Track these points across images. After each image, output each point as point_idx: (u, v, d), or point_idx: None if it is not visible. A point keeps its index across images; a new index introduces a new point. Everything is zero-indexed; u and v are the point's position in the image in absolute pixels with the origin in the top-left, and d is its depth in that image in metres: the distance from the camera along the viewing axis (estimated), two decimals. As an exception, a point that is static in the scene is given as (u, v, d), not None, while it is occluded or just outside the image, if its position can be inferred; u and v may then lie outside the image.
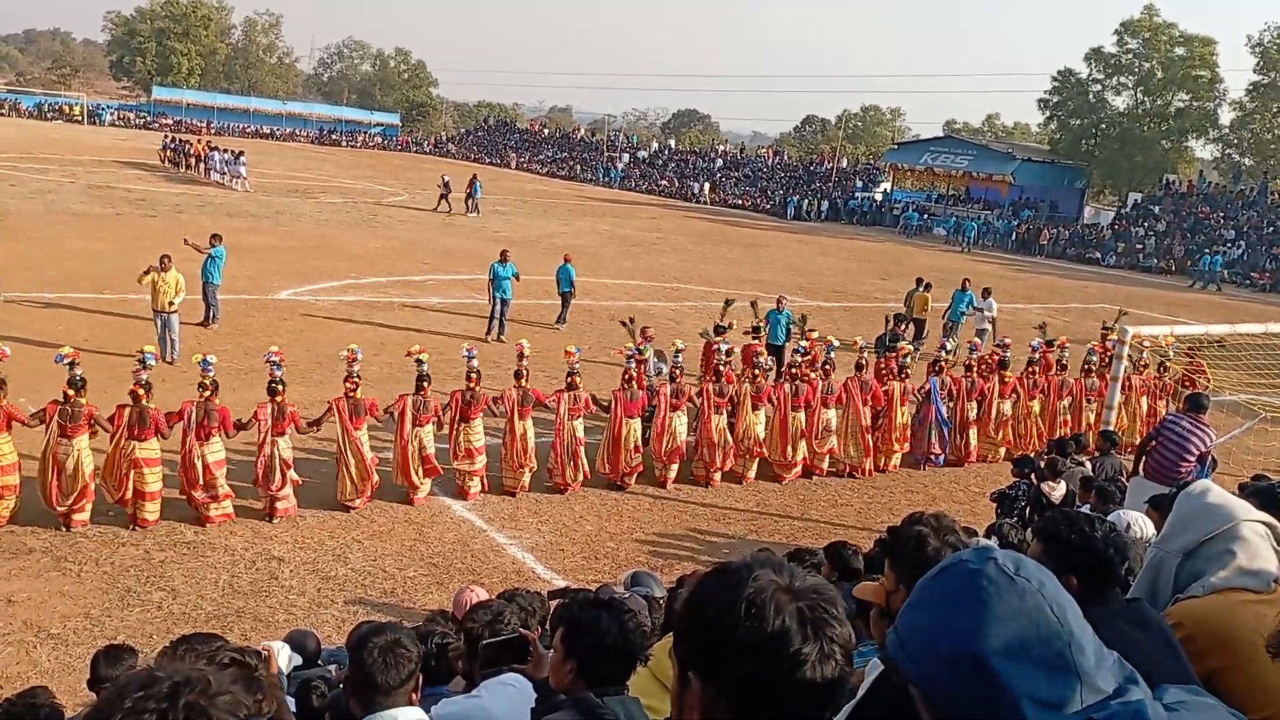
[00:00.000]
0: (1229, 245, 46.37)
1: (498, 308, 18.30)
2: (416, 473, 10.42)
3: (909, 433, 13.38)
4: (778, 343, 15.99)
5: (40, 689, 4.37)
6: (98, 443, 9.28)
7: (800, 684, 1.32)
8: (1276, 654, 2.04)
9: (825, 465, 12.84)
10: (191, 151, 45.86)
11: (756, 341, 14.03)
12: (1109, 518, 5.23)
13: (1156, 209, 51.46)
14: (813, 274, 31.95)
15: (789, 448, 12.43)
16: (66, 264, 20.68)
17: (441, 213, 38.10)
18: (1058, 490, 9.41)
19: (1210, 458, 9.11)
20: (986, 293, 21.07)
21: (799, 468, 12.66)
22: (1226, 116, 58.84)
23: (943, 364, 13.85)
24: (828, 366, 12.88)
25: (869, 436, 12.95)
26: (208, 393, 9.52)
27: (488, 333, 18.06)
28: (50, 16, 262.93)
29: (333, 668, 4.62)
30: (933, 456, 13.56)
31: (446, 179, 40.41)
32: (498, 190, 53.25)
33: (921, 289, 21.72)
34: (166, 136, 52.24)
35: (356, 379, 10.27)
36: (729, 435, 12.07)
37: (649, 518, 10.92)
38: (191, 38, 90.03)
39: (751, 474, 12.42)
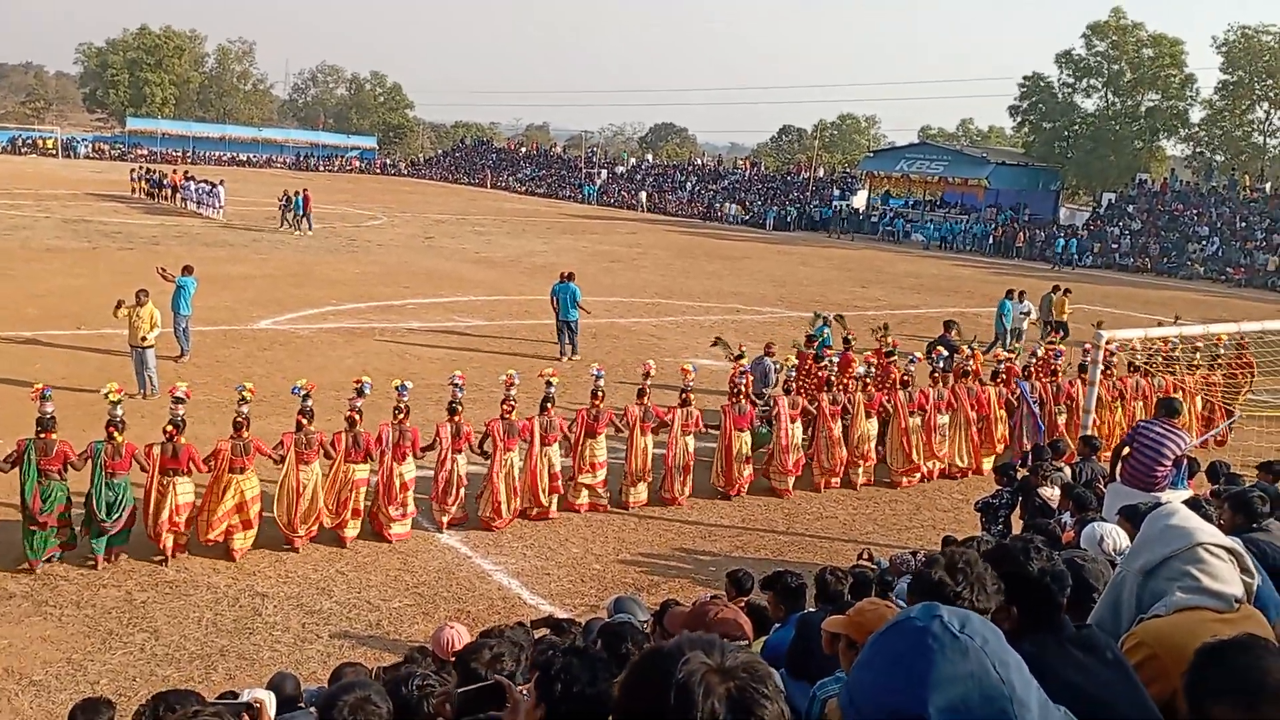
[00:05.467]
0: (1204, 242, 46.84)
1: (565, 328, 18.90)
2: (544, 491, 10.97)
3: (1008, 436, 13.87)
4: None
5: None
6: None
7: None
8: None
9: (935, 469, 13.35)
10: (167, 182, 45.72)
11: (853, 354, 14.60)
12: (1084, 530, 5.29)
13: (1131, 208, 51.94)
14: (794, 284, 32.07)
15: (914, 453, 13.02)
16: (43, 301, 20.56)
17: (284, 231, 36.39)
18: (1055, 494, 9.36)
19: (1187, 461, 9.19)
20: (1022, 295, 22.17)
21: (919, 473, 13.16)
22: (1197, 114, 59.57)
23: (1031, 368, 14.35)
24: (906, 379, 13.38)
25: (977, 440, 13.50)
26: (401, 415, 10.25)
27: (560, 353, 18.64)
28: (21, 50, 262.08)
29: (314, 710, 4.59)
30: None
31: (287, 194, 37.83)
32: (476, 210, 53.29)
33: (1061, 293, 23.12)
34: (139, 166, 51.97)
35: (513, 402, 10.82)
36: (844, 443, 12.73)
37: (634, 538, 10.92)
38: (165, 67, 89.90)
39: (864, 478, 12.96)
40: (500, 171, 79.10)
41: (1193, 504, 5.03)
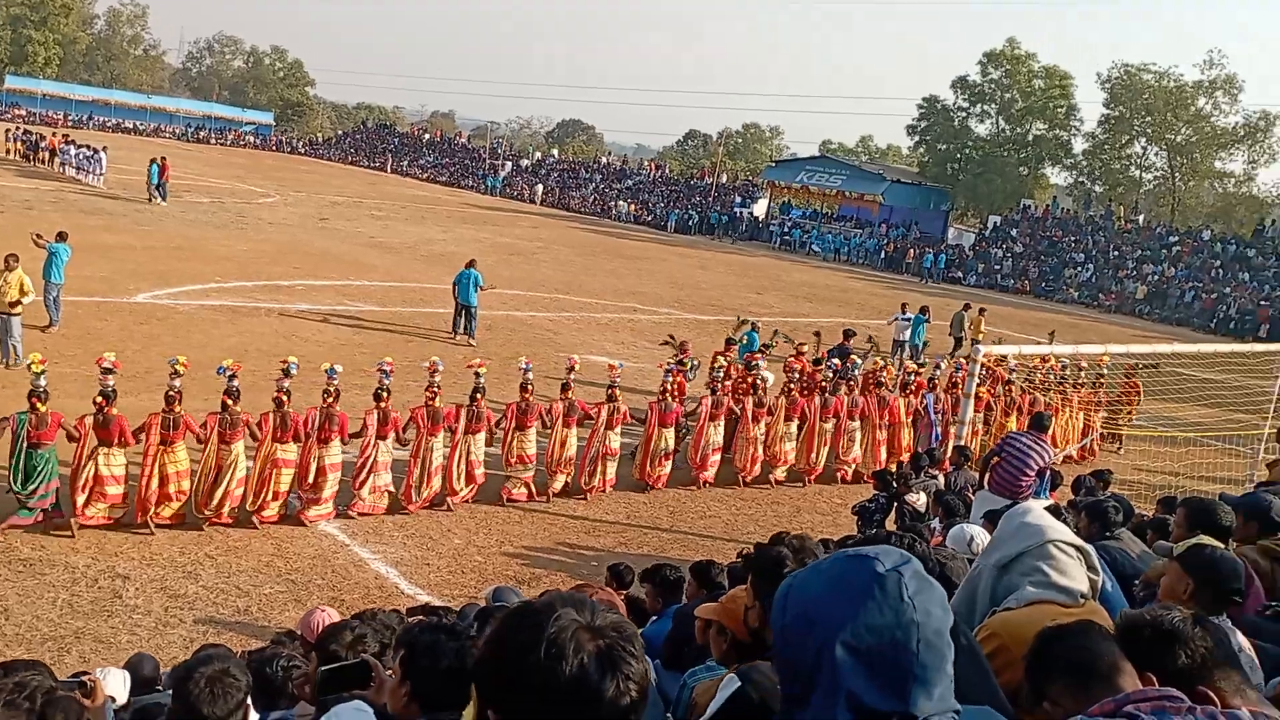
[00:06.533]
0: (1079, 268, 49.09)
1: (464, 312, 19.26)
2: (459, 479, 11.02)
3: (912, 444, 14.29)
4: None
5: None
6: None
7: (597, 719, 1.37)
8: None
9: (850, 472, 13.91)
10: (45, 144, 43.50)
11: (797, 358, 14.76)
12: (951, 531, 5.49)
13: (1014, 232, 54.08)
14: (691, 287, 32.37)
15: (813, 454, 13.57)
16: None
17: (147, 200, 34.54)
18: (920, 500, 9.78)
19: (1049, 472, 9.62)
20: (905, 307, 22.76)
21: (817, 474, 13.75)
22: (1079, 145, 62.43)
23: (935, 380, 14.93)
24: (851, 382, 14.08)
25: (882, 449, 14.06)
26: (330, 399, 10.12)
27: (454, 335, 19.22)
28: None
29: (170, 693, 4.43)
30: None
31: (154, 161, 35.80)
32: (375, 195, 52.20)
33: (976, 311, 23.70)
34: (16, 127, 49.28)
35: (436, 388, 10.87)
36: (760, 444, 13.18)
37: (519, 530, 10.86)
38: (50, 26, 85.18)
39: (781, 475, 13.50)
40: (402, 157, 77.62)
41: (1052, 511, 5.27)
